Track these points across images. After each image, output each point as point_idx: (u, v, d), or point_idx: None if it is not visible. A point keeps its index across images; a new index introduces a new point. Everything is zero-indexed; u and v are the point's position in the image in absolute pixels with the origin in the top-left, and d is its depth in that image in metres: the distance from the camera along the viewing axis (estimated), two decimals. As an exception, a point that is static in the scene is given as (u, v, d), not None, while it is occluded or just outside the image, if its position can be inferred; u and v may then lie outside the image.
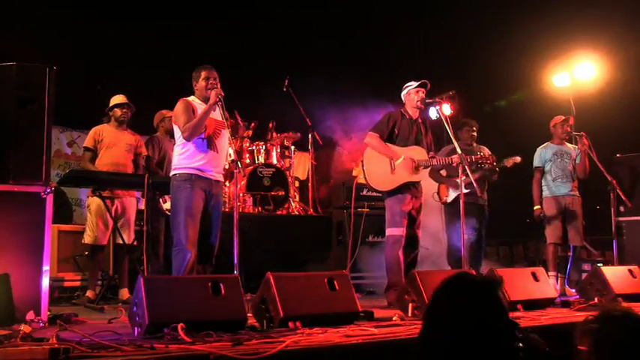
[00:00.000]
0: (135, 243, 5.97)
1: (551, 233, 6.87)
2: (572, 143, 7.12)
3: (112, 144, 6.06)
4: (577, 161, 6.91)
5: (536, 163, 7.07)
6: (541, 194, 6.99)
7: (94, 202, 5.90)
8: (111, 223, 5.90)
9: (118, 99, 6.17)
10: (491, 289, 1.91)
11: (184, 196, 4.79)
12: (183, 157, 4.89)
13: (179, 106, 4.94)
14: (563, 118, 7.08)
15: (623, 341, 1.89)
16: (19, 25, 8.07)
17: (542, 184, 7.01)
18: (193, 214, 4.79)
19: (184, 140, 4.85)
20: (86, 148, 6.12)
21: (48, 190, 4.07)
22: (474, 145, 7.05)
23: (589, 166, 6.82)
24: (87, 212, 6.04)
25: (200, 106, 4.91)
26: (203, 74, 4.98)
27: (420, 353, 1.89)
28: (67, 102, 5.96)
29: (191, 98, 5.01)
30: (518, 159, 6.90)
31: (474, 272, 5.17)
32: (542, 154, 7.06)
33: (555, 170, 6.93)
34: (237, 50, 9.77)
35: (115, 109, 6.13)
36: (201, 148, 4.90)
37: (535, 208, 6.99)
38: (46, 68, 4.22)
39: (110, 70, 8.41)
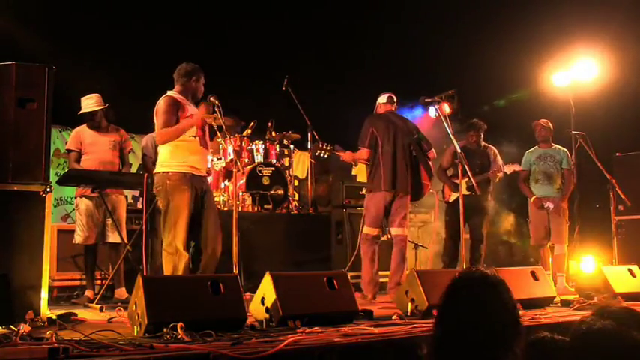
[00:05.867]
0: (127, 241, 5.96)
1: (534, 235, 7.12)
2: (562, 145, 7.20)
3: (94, 143, 6.05)
4: (563, 165, 7.02)
5: (522, 166, 7.25)
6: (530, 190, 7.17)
7: (83, 202, 5.92)
8: (100, 222, 5.92)
9: (90, 105, 6.03)
10: (501, 286, 1.92)
11: (181, 197, 4.73)
12: (175, 155, 4.80)
13: (163, 103, 4.85)
14: (537, 122, 7.22)
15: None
16: (19, 24, 8.07)
17: (528, 186, 7.20)
18: (191, 215, 4.75)
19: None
20: (69, 150, 6.13)
21: (47, 190, 4.07)
22: (482, 145, 7.08)
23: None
24: (76, 212, 6.04)
25: (189, 106, 4.89)
26: (202, 79, 5.03)
27: (433, 351, 1.90)
28: (66, 102, 5.95)
29: (174, 93, 4.92)
30: (518, 167, 7.06)
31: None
32: (527, 157, 7.27)
33: (538, 173, 7.12)
34: (237, 49, 9.77)
35: (89, 121, 6.08)
36: (194, 146, 4.86)
37: (532, 199, 7.07)
38: (46, 68, 4.22)
39: (110, 70, 8.40)
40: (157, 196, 5.01)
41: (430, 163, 6.13)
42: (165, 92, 5.00)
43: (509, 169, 7.00)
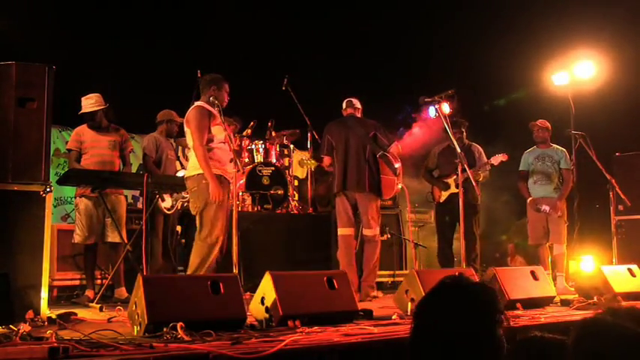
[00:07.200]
0: (127, 241, 5.97)
1: (532, 235, 7.10)
2: (562, 145, 7.19)
3: (95, 143, 6.05)
4: (562, 165, 7.02)
5: (520, 166, 7.26)
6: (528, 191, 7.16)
7: (82, 201, 5.92)
8: (100, 221, 5.92)
9: (90, 105, 6.04)
10: (480, 293, 1.88)
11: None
12: (212, 160, 4.97)
13: (194, 112, 5.04)
14: (533, 123, 7.22)
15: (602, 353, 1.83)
16: (19, 23, 8.07)
17: (527, 186, 7.18)
18: (226, 214, 4.96)
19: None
20: (69, 150, 6.14)
21: (47, 190, 4.08)
22: (466, 142, 7.10)
23: None
24: (76, 212, 6.04)
25: (217, 114, 5.07)
26: (226, 87, 5.24)
27: (411, 355, 1.89)
28: (66, 101, 5.95)
29: (201, 103, 5.10)
30: (505, 157, 7.02)
31: (472, 270, 5.18)
32: (526, 158, 7.26)
33: (536, 173, 7.11)
34: (237, 48, 9.77)
35: (89, 121, 6.08)
36: (225, 152, 5.09)
37: (529, 201, 7.06)
38: (46, 68, 4.23)
39: (110, 70, 8.40)
40: (190, 198, 5.15)
41: (393, 158, 6.14)
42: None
43: (495, 161, 7.00)
